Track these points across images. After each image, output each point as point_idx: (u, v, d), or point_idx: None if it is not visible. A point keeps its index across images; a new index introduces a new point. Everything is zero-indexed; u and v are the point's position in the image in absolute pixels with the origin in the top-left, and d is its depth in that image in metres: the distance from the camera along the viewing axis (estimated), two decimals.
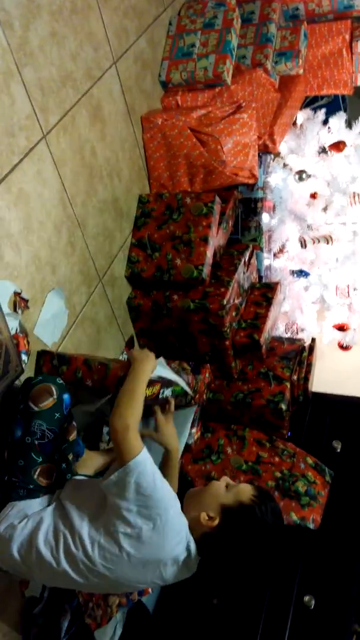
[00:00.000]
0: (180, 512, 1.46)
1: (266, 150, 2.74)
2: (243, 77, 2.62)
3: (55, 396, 1.57)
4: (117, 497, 1.40)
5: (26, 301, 1.74)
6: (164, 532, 1.39)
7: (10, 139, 1.66)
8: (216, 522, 1.45)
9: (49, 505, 1.58)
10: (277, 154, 2.94)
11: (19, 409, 1.58)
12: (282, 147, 2.97)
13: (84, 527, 1.44)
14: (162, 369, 1.85)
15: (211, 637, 2.03)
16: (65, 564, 1.43)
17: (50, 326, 1.90)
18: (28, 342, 1.73)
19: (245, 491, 1.51)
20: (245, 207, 2.80)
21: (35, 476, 1.57)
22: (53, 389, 1.57)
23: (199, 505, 1.51)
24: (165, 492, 1.42)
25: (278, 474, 2.26)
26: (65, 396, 1.61)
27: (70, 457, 1.65)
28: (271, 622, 2.04)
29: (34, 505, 1.58)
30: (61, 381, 1.61)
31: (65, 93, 1.91)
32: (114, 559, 1.40)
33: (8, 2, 1.62)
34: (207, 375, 2.33)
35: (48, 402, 1.56)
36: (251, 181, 2.62)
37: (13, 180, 1.68)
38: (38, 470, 1.57)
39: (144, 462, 1.41)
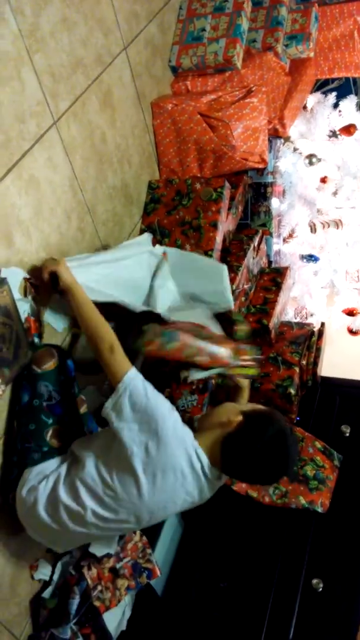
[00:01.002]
0: (181, 423, 1.50)
1: (276, 135, 2.73)
2: (253, 61, 2.60)
3: (56, 358, 1.63)
4: (118, 421, 1.45)
5: (36, 287, 1.76)
6: (167, 441, 1.44)
7: (21, 126, 1.67)
8: (238, 418, 1.51)
9: (63, 462, 1.61)
10: (287, 138, 2.93)
11: (23, 375, 1.62)
12: (292, 131, 2.96)
13: (98, 464, 1.50)
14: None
15: (219, 621, 2.07)
16: (91, 504, 1.49)
17: (60, 312, 1.91)
18: (40, 325, 1.76)
19: (259, 405, 1.59)
20: (255, 192, 2.80)
21: (48, 438, 1.61)
22: (54, 351, 1.64)
23: (216, 417, 1.57)
24: (159, 403, 1.48)
25: None
26: (69, 361, 1.66)
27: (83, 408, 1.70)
28: (279, 605, 2.07)
29: (51, 465, 1.61)
30: (63, 347, 1.66)
31: (75, 79, 1.92)
32: (132, 482, 1.45)
33: None
34: None
35: (50, 364, 1.62)
36: (261, 166, 2.61)
37: (24, 167, 1.70)
38: (50, 431, 1.61)
39: (134, 378, 1.47)
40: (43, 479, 1.57)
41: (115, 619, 1.95)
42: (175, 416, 1.50)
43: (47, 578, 1.86)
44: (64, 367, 1.64)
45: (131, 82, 2.30)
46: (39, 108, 1.74)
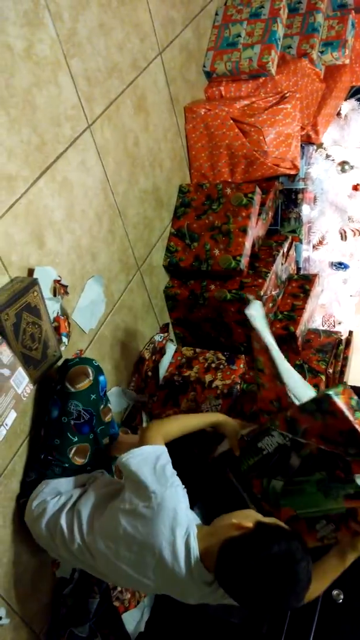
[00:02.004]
0: (184, 505, 1.41)
1: (309, 141, 2.72)
2: (288, 67, 2.60)
3: (91, 377, 1.62)
4: (126, 477, 1.44)
5: (65, 287, 1.78)
6: (157, 510, 1.36)
7: (57, 129, 1.70)
8: (249, 525, 1.32)
9: (81, 486, 1.63)
10: (320, 145, 2.91)
11: (56, 389, 1.64)
12: (325, 137, 2.94)
13: (96, 508, 1.50)
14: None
15: (237, 628, 2.06)
16: (77, 540, 1.49)
17: (88, 313, 1.94)
18: (69, 324, 1.78)
19: (284, 525, 1.37)
20: (286, 198, 2.79)
21: (71, 455, 1.63)
22: (89, 370, 1.63)
23: (232, 518, 1.39)
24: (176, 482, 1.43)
25: None
26: (101, 378, 1.66)
27: (106, 439, 1.71)
28: (298, 616, 2.05)
29: (68, 483, 1.64)
30: (97, 363, 1.66)
31: (110, 83, 1.94)
32: (112, 534, 1.42)
33: None
34: (241, 366, 2.35)
35: (84, 384, 1.61)
36: (293, 172, 2.61)
37: (58, 169, 1.72)
38: (73, 449, 1.63)
39: (153, 451, 1.45)
40: (56, 495, 1.60)
41: (133, 620, 1.96)
42: (180, 495, 1.41)
43: (68, 576, 1.87)
44: (97, 385, 1.64)
45: (165, 86, 2.32)
46: (74, 112, 1.77)
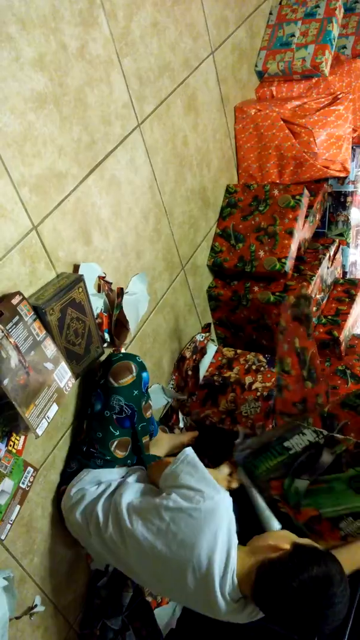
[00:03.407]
0: (232, 516, 1.40)
1: None
2: (342, 67, 2.56)
3: (134, 373, 1.64)
4: (174, 485, 1.45)
5: (110, 284, 1.81)
6: (204, 515, 1.36)
7: (107, 127, 1.72)
8: (287, 546, 1.33)
9: (121, 477, 1.66)
10: None
11: (99, 383, 1.66)
12: None
13: (136, 498, 1.51)
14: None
15: (267, 631, 2.04)
16: (110, 528, 1.50)
17: (133, 310, 1.96)
18: (111, 321, 1.80)
19: (319, 546, 1.38)
20: (335, 201, 2.75)
21: (112, 448, 1.65)
22: (133, 366, 1.65)
23: (269, 539, 1.40)
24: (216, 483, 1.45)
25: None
26: (144, 374, 1.68)
27: (146, 438, 1.72)
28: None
29: (108, 474, 1.66)
30: (141, 359, 1.68)
31: (162, 82, 1.95)
32: (152, 527, 1.42)
33: None
34: None
35: (127, 379, 1.63)
36: (342, 174, 2.57)
37: (106, 167, 1.74)
38: (115, 443, 1.65)
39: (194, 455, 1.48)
40: (96, 484, 1.63)
41: (165, 616, 1.97)
42: (226, 506, 1.41)
43: (102, 568, 1.89)
44: (139, 381, 1.66)
45: (216, 86, 2.31)
46: (124, 111, 1.78)
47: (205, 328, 2.53)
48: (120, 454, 1.68)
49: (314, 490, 1.61)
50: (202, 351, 2.41)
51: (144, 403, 1.69)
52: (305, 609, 1.24)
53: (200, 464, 1.47)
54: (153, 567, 1.45)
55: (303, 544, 1.35)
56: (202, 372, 2.40)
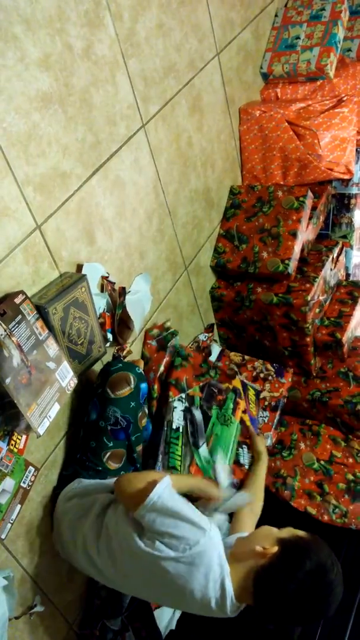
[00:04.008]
0: (221, 549, 1.37)
1: None
2: (347, 70, 2.56)
3: (132, 385, 1.61)
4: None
5: (113, 284, 1.81)
6: (192, 561, 1.33)
7: (112, 128, 1.72)
8: (274, 549, 1.34)
9: (112, 491, 1.61)
10: None
11: (96, 392, 1.65)
12: None
13: (123, 523, 1.44)
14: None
15: (271, 633, 2.04)
16: (102, 549, 1.47)
17: (137, 310, 1.95)
18: (114, 321, 1.80)
19: (300, 531, 1.40)
20: (338, 203, 2.75)
21: (105, 459, 1.63)
22: (131, 377, 1.62)
23: (250, 544, 1.39)
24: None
25: (350, 477, 2.22)
26: (143, 385, 1.65)
27: (140, 447, 1.70)
28: (332, 623, 2.03)
29: (100, 486, 1.63)
30: (140, 370, 1.66)
31: (167, 83, 1.95)
32: (142, 563, 1.37)
33: None
34: (289, 379, 2.32)
35: (125, 391, 1.61)
36: (346, 177, 2.57)
37: (111, 168, 1.74)
38: (108, 454, 1.63)
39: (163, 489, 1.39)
40: (85, 495, 1.59)
41: (165, 617, 1.97)
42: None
43: None
44: (137, 393, 1.64)
45: (221, 87, 2.32)
46: (129, 111, 1.79)
47: (208, 328, 2.53)
48: (113, 465, 1.65)
49: (212, 449, 1.90)
50: (204, 350, 2.41)
51: (140, 413, 1.68)
52: (307, 603, 1.28)
53: (174, 502, 1.37)
54: (147, 592, 1.47)
55: (287, 539, 1.36)
56: None
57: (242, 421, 2.04)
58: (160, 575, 1.34)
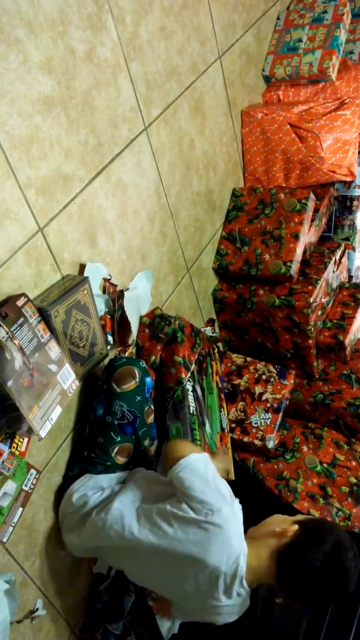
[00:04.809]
0: (240, 526, 1.42)
1: None
2: (349, 72, 2.56)
3: (137, 379, 1.62)
4: (179, 490, 1.44)
5: (115, 286, 1.81)
6: (212, 530, 1.37)
7: (114, 130, 1.72)
8: (294, 527, 1.39)
9: (123, 482, 1.65)
10: None
11: (102, 388, 1.65)
12: None
13: (139, 503, 1.50)
14: None
15: (274, 636, 2.04)
16: (113, 535, 1.48)
17: (133, 307, 1.91)
18: (114, 323, 1.80)
19: (311, 516, 1.47)
20: (341, 205, 2.75)
21: (113, 454, 1.64)
22: (136, 372, 1.63)
23: (269, 526, 1.45)
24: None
25: (353, 480, 2.22)
26: (148, 379, 1.66)
27: (147, 441, 1.71)
28: (335, 625, 2.02)
29: (110, 480, 1.66)
30: (144, 365, 1.67)
31: (169, 86, 1.96)
32: (158, 532, 1.41)
33: None
34: (292, 381, 2.32)
35: (130, 385, 1.62)
36: (349, 179, 2.56)
37: (113, 170, 1.74)
38: (116, 449, 1.64)
39: (201, 459, 1.47)
40: (98, 490, 1.62)
41: (168, 621, 1.96)
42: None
43: (105, 572, 1.89)
44: (142, 386, 1.65)
45: (223, 90, 2.32)
46: (131, 114, 1.79)
47: (209, 322, 2.52)
48: (121, 459, 1.67)
49: (210, 419, 1.97)
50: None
51: (146, 408, 1.68)
52: (333, 578, 1.33)
53: (207, 471, 1.45)
54: (153, 566, 1.47)
55: (304, 520, 1.42)
56: None
57: (216, 384, 2.10)
58: (179, 539, 1.38)
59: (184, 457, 1.46)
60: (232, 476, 1.99)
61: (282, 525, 1.42)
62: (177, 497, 1.43)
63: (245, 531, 1.44)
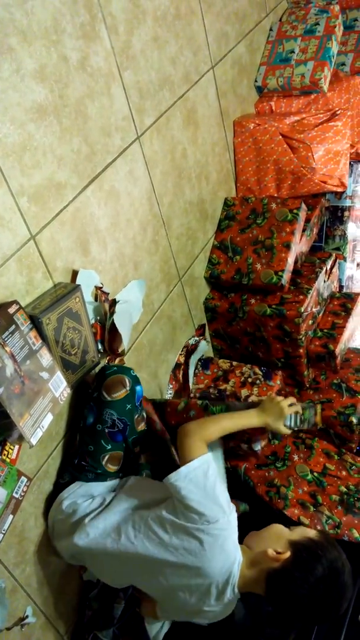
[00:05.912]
0: (235, 536, 1.44)
1: (358, 159, 2.70)
2: (341, 84, 2.59)
3: (128, 388, 1.63)
4: (176, 499, 1.44)
5: (107, 294, 1.81)
6: (208, 541, 1.38)
7: (106, 139, 1.73)
8: (286, 555, 1.39)
9: (114, 490, 1.65)
10: None
11: (92, 396, 1.66)
12: None
13: (130, 512, 1.51)
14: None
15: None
16: (106, 544, 1.49)
17: (124, 322, 1.91)
18: (104, 331, 1.80)
19: (310, 531, 1.46)
20: (332, 215, 2.77)
21: (104, 462, 1.64)
22: (126, 380, 1.63)
23: (263, 543, 1.46)
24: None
25: (343, 489, 2.22)
26: (138, 388, 1.67)
27: (137, 449, 1.72)
28: (323, 637, 2.02)
29: (101, 488, 1.66)
30: (135, 373, 1.67)
31: (162, 96, 1.97)
32: (154, 539, 1.42)
33: (115, 7, 1.69)
34: (278, 382, 2.33)
35: (120, 393, 1.62)
36: (340, 189, 2.59)
37: (105, 179, 1.75)
38: (107, 457, 1.64)
39: (200, 466, 1.46)
40: (88, 498, 1.62)
41: (154, 629, 1.96)
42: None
43: (94, 580, 1.88)
44: (133, 395, 1.65)
45: (216, 100, 2.34)
46: (124, 123, 1.80)
47: (199, 329, 2.53)
48: (112, 467, 1.67)
49: None
50: (192, 348, 2.43)
51: (136, 416, 1.69)
52: (319, 606, 1.34)
53: (205, 479, 1.44)
54: (145, 572, 1.48)
55: (299, 543, 1.41)
56: (192, 367, 2.40)
57: None
58: (174, 546, 1.39)
59: (192, 459, 1.47)
60: (319, 420, 1.94)
61: (277, 545, 1.43)
62: (173, 503, 1.44)
63: (246, 533, 1.46)
